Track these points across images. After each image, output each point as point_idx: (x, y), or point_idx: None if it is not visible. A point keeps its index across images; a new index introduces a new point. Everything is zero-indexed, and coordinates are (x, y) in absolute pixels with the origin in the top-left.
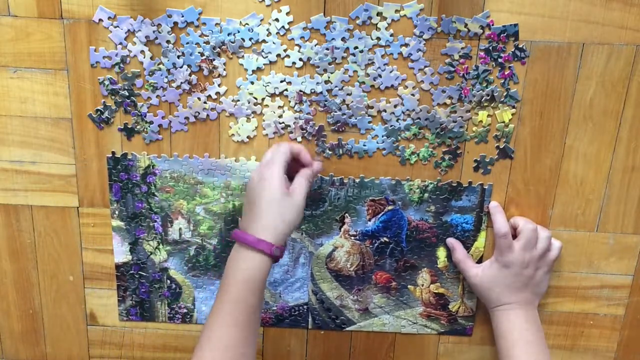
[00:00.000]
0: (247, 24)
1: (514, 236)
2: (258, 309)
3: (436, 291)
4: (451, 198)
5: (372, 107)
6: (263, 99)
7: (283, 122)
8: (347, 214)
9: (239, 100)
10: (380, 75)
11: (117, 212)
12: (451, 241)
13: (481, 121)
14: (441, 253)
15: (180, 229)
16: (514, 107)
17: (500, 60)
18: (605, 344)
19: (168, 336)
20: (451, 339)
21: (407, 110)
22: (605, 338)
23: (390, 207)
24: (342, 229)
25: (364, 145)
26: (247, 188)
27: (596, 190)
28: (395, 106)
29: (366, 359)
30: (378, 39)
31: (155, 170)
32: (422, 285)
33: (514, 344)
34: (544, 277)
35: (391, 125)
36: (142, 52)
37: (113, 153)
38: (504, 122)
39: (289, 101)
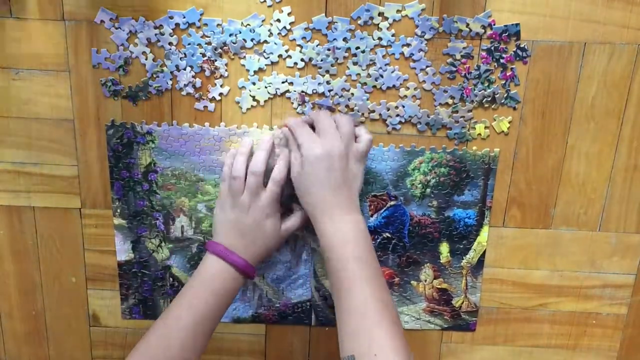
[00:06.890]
0: (248, 24)
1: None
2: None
3: (439, 286)
4: (453, 193)
5: (373, 111)
6: (268, 100)
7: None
8: None
9: (239, 102)
10: (381, 76)
11: (118, 211)
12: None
13: (480, 134)
14: (444, 248)
15: (182, 226)
16: (514, 108)
17: (502, 61)
18: (607, 343)
19: None
20: (454, 338)
21: (409, 116)
22: (608, 337)
23: (392, 203)
24: None
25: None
26: (241, 210)
27: (598, 189)
28: (396, 107)
29: None
30: (380, 39)
31: (157, 167)
32: (425, 280)
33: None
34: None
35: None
36: (144, 53)
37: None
38: (502, 131)
39: (292, 102)
